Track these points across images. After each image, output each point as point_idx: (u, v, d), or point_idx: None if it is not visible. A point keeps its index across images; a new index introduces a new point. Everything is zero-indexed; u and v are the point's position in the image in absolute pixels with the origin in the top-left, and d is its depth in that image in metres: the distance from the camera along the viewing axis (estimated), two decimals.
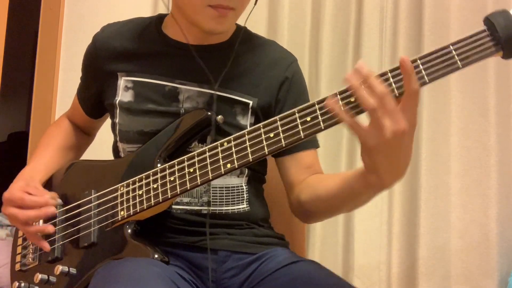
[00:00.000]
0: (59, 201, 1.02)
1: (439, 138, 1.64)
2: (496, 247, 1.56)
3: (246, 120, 1.02)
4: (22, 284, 1.02)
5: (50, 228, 0.98)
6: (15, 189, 1.00)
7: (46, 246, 0.99)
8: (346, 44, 1.77)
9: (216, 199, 1.01)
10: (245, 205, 1.04)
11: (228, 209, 1.02)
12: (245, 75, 1.04)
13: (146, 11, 1.86)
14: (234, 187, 1.03)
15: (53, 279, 0.97)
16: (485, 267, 1.57)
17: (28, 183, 1.02)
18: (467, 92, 1.63)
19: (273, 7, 1.82)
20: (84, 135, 1.23)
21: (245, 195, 1.05)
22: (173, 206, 1.00)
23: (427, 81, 0.75)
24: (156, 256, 0.89)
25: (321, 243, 1.73)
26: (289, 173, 1.06)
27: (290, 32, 1.79)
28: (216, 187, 1.01)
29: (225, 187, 1.02)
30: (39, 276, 0.97)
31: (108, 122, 1.15)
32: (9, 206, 0.99)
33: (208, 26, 0.96)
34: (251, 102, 1.02)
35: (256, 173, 1.08)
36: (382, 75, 0.76)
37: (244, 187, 1.05)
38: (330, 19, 1.77)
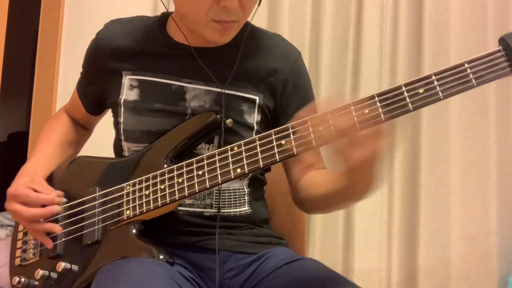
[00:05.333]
0: (64, 199, 1.00)
1: (439, 138, 1.64)
2: (496, 247, 1.57)
3: (252, 119, 1.02)
4: (22, 279, 1.00)
5: (57, 228, 0.97)
6: (20, 185, 0.98)
7: (49, 243, 0.98)
8: (346, 44, 1.78)
9: (218, 201, 1.01)
10: (246, 208, 1.04)
11: (230, 212, 1.02)
12: (250, 71, 1.03)
13: (146, 11, 1.86)
14: (236, 189, 1.03)
15: (54, 275, 0.96)
16: (485, 267, 1.57)
17: (33, 179, 1.00)
18: (467, 92, 1.63)
19: (273, 7, 1.82)
20: (82, 130, 1.22)
21: (246, 198, 1.05)
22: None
23: (441, 97, 0.76)
24: (161, 257, 0.89)
25: (321, 243, 1.74)
26: (292, 172, 1.07)
27: (290, 32, 1.79)
28: (218, 190, 1.01)
29: (227, 190, 1.02)
30: (40, 272, 0.96)
31: (107, 119, 1.14)
32: (13, 202, 0.97)
33: (212, 38, 0.96)
34: (257, 98, 1.02)
35: (258, 175, 1.08)
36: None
37: (246, 190, 1.05)
38: (330, 19, 1.78)
